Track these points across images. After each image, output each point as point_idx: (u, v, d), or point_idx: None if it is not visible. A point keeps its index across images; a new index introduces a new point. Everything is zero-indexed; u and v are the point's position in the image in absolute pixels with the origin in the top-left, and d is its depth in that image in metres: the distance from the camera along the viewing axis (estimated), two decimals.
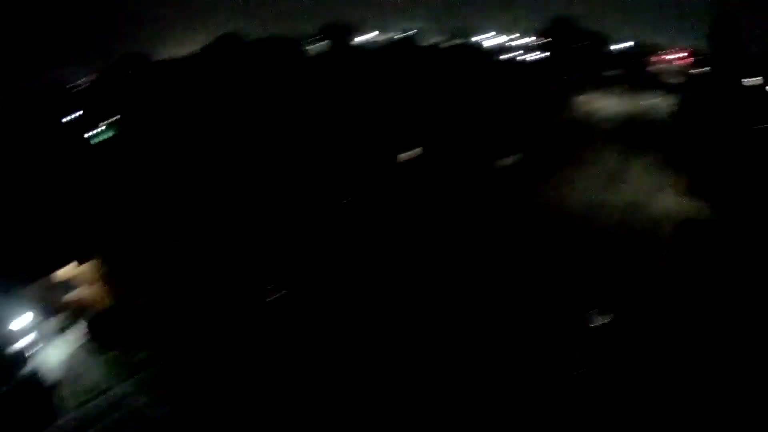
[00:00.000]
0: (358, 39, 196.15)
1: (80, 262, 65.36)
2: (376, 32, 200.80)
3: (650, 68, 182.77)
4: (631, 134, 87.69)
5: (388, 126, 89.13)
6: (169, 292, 61.94)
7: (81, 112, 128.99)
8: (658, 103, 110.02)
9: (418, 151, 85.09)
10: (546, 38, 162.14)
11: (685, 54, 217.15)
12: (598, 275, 50.67)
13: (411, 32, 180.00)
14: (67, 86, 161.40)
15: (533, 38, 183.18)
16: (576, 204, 64.76)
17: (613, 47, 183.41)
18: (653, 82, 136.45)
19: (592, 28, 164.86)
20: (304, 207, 72.88)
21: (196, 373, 48.95)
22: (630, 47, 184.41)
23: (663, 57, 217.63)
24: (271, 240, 67.96)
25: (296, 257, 64.09)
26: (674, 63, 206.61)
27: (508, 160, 79.10)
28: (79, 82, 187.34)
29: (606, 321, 44.26)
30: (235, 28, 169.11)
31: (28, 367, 53.46)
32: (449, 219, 65.70)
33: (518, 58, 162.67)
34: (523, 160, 79.53)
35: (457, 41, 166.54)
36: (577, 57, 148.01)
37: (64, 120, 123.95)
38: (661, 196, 65.00)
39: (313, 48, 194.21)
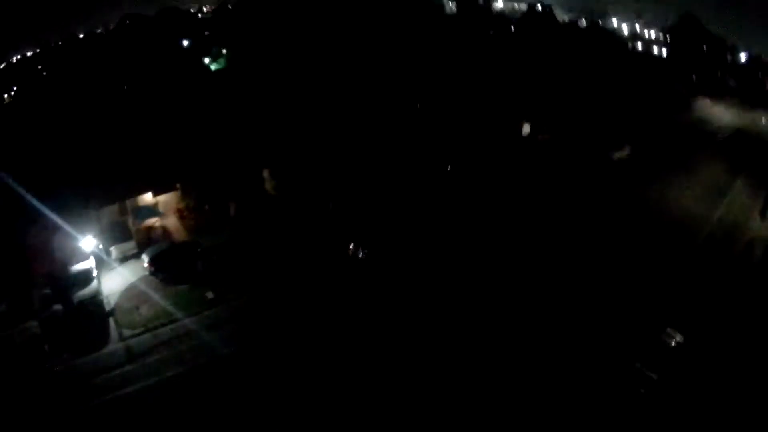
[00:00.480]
0: (497, 4, 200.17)
1: (156, 194, 64.84)
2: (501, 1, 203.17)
3: None
4: (739, 148, 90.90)
5: (518, 102, 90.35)
6: (242, 235, 61.05)
7: (201, 37, 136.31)
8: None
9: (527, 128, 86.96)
10: (674, 34, 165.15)
11: None
12: (684, 289, 51.74)
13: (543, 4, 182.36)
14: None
15: (661, 32, 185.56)
16: (677, 211, 67.55)
17: (735, 55, 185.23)
18: None
19: (716, 31, 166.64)
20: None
21: (266, 316, 49.29)
22: (751, 59, 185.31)
23: None
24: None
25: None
26: None
27: (623, 153, 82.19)
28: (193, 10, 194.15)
29: (681, 341, 44.72)
30: None
31: (88, 290, 53.65)
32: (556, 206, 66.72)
33: (649, 50, 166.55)
34: (637, 155, 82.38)
35: (596, 22, 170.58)
36: (702, 60, 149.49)
37: (183, 44, 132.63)
38: (756, 216, 67.78)
39: (450, 5, 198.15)
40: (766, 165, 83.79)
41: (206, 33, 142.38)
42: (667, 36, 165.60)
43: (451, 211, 64.88)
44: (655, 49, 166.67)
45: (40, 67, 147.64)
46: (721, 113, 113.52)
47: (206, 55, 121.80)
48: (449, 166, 73.64)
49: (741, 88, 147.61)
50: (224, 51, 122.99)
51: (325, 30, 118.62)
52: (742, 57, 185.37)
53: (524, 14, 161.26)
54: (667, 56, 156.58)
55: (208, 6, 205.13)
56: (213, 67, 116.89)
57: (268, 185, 69.57)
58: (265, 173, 69.84)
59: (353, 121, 76.89)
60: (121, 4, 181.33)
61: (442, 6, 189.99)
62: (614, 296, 51.14)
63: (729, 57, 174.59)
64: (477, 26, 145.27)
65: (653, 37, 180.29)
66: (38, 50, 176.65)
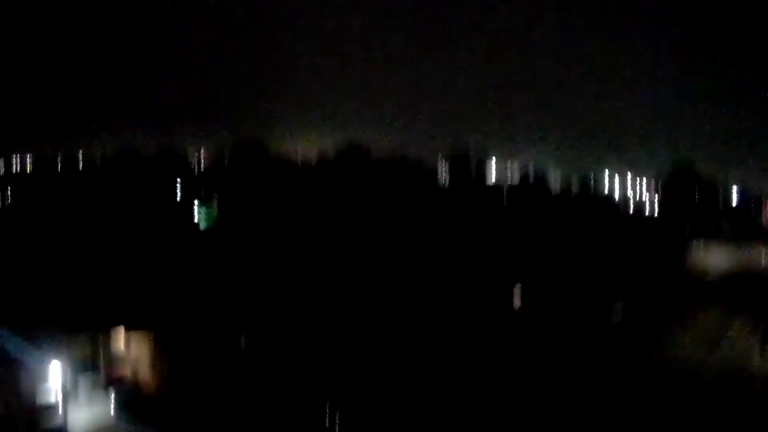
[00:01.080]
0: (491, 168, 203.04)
1: (128, 330, 61.44)
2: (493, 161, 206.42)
3: (764, 219, 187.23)
4: (735, 289, 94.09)
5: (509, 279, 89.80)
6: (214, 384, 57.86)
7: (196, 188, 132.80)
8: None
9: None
10: (666, 187, 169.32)
11: None
12: None
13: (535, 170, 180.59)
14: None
15: (653, 184, 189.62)
16: (676, 362, 67.45)
17: (727, 195, 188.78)
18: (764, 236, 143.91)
19: (708, 173, 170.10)
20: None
21: None
22: (743, 196, 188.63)
23: None
24: None
25: None
26: None
27: (617, 315, 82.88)
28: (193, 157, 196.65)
29: None
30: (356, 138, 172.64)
31: (53, 423, 50.32)
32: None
33: (641, 209, 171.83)
34: (633, 314, 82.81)
35: (587, 186, 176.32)
36: (695, 208, 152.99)
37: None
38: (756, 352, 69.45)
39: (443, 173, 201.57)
40: (763, 301, 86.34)
41: (200, 185, 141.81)
42: (659, 189, 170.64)
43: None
44: (647, 198, 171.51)
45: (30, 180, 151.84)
46: (719, 260, 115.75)
47: (198, 209, 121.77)
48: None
49: (734, 229, 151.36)
50: (214, 209, 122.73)
51: (317, 201, 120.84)
52: (734, 195, 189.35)
53: (515, 187, 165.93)
54: (660, 211, 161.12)
55: (205, 152, 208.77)
56: (202, 225, 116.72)
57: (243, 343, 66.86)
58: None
59: (337, 307, 74.75)
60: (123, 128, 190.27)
61: (435, 177, 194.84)
62: None
63: (720, 199, 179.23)
64: (469, 200, 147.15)
65: (645, 186, 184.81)
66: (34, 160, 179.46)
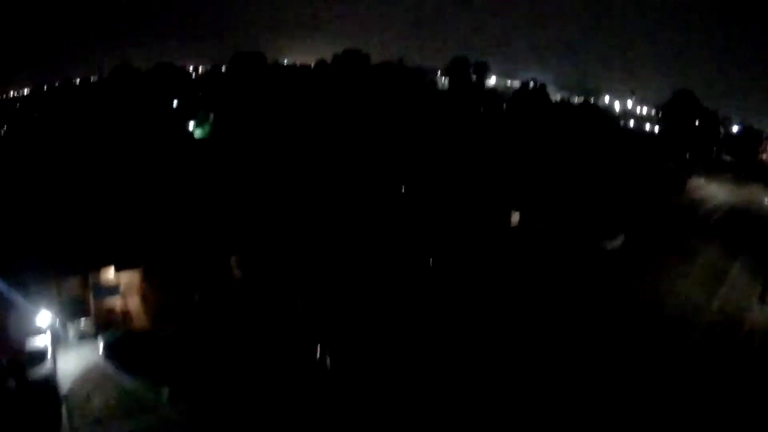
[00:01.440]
0: (490, 81, 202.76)
1: (118, 269, 58.74)
2: (493, 78, 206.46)
3: (762, 155, 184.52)
4: (735, 228, 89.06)
5: (507, 186, 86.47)
6: (205, 326, 55.35)
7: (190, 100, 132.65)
8: (762, 195, 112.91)
9: (516, 217, 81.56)
10: (667, 109, 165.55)
11: None
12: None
13: (535, 82, 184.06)
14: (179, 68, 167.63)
15: (653, 108, 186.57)
16: (674, 302, 63.37)
17: (727, 127, 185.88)
18: (763, 173, 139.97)
19: (709, 105, 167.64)
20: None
21: (223, 424, 43.82)
22: (742, 130, 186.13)
23: None
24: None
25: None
26: None
27: (616, 242, 77.11)
28: (191, 68, 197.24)
29: None
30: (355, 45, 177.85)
31: (42, 369, 49.16)
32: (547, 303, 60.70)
33: (642, 127, 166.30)
34: (631, 243, 77.68)
35: (588, 100, 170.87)
36: (695, 135, 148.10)
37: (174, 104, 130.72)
38: (755, 301, 64.98)
39: (442, 82, 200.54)
40: (763, 244, 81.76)
41: (198, 95, 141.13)
42: (660, 113, 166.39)
43: (432, 313, 58.16)
44: (648, 127, 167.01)
45: (31, 107, 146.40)
46: (715, 191, 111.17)
47: (193, 119, 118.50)
48: (431, 260, 68.31)
49: (735, 161, 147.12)
50: (210, 117, 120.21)
51: (315, 103, 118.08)
52: (735, 128, 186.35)
53: (516, 92, 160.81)
54: (660, 133, 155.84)
55: (202, 66, 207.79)
56: (197, 133, 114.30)
57: (236, 273, 64.32)
58: (234, 261, 64.42)
59: (331, 208, 73.18)
60: (120, 48, 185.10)
61: (434, 82, 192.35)
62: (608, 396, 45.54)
63: (722, 130, 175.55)
64: (468, 103, 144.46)
65: (646, 113, 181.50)
66: (32, 89, 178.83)
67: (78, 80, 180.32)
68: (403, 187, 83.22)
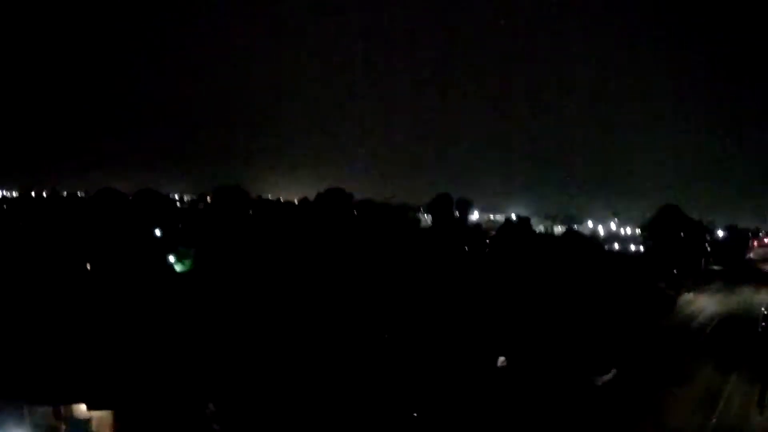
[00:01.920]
0: (473, 217, 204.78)
1: (90, 408, 56.18)
2: (476, 214, 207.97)
3: (750, 255, 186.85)
4: (728, 340, 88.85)
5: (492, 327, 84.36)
6: None
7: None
8: (758, 300, 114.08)
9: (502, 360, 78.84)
10: (652, 227, 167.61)
11: None
12: None
13: (519, 216, 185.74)
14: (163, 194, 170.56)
15: (637, 227, 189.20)
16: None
17: (714, 234, 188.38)
18: (753, 274, 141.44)
19: (695, 213, 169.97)
20: None
21: None
22: (729, 233, 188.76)
23: (761, 242, 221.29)
24: None
25: None
26: None
27: (607, 376, 74.71)
28: (175, 196, 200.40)
29: None
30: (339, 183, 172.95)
31: None
32: None
33: (626, 249, 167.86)
34: (623, 375, 75.17)
35: (572, 227, 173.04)
36: (681, 249, 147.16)
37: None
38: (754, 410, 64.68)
39: (425, 219, 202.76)
40: (757, 350, 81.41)
41: (179, 226, 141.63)
42: (646, 231, 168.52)
43: None
44: (633, 247, 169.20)
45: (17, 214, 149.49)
46: (706, 304, 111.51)
47: (174, 252, 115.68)
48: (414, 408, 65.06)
49: (723, 269, 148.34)
50: (192, 252, 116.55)
51: (298, 241, 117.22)
52: (720, 233, 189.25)
53: (500, 228, 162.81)
54: (646, 252, 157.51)
55: (187, 196, 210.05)
56: (178, 267, 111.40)
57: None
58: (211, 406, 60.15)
59: (314, 354, 70.33)
60: (109, 165, 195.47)
61: (417, 220, 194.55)
62: None
63: (708, 237, 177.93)
64: (452, 241, 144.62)
65: (630, 233, 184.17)
66: (21, 193, 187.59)
67: (65, 193, 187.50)
68: (386, 328, 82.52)
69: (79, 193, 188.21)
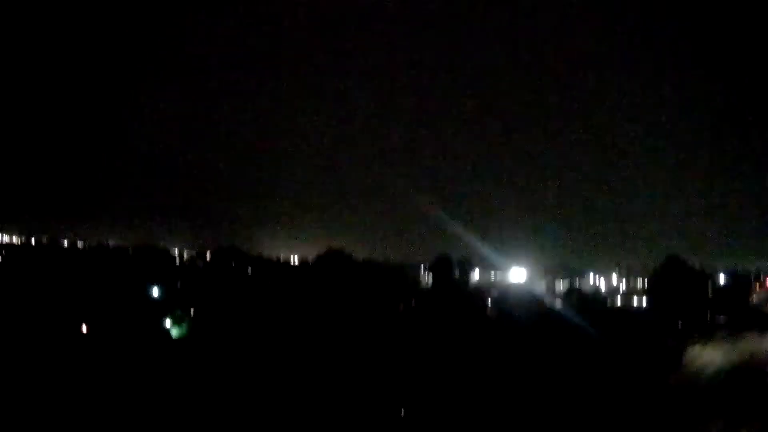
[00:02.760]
0: (475, 276, 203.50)
1: None
2: (477, 272, 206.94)
3: (755, 300, 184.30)
4: (737, 392, 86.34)
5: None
6: None
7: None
8: (765, 347, 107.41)
9: None
10: (655, 280, 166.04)
11: None
12: None
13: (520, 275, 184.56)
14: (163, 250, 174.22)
15: (639, 279, 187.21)
16: None
17: (716, 281, 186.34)
18: (758, 320, 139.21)
19: (696, 261, 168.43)
20: None
21: None
22: (731, 279, 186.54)
23: (764, 286, 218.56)
24: None
25: None
26: None
27: None
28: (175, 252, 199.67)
29: None
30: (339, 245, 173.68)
31: None
32: None
33: (629, 303, 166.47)
34: None
35: (573, 283, 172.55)
36: (687, 301, 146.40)
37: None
38: None
39: (426, 279, 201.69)
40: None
41: (177, 285, 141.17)
42: (649, 283, 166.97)
43: None
44: (636, 301, 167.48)
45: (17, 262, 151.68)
46: (712, 357, 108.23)
47: (170, 315, 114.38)
48: None
49: (727, 318, 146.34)
50: (189, 315, 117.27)
51: (298, 303, 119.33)
52: (722, 279, 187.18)
53: (501, 291, 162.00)
54: (649, 306, 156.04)
55: (187, 251, 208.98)
56: (174, 332, 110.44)
57: None
58: None
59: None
60: (108, 217, 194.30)
61: (417, 281, 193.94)
62: None
63: (713, 285, 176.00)
64: (451, 304, 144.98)
65: (632, 286, 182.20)
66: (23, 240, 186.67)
67: (66, 242, 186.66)
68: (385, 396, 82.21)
69: (79, 244, 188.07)
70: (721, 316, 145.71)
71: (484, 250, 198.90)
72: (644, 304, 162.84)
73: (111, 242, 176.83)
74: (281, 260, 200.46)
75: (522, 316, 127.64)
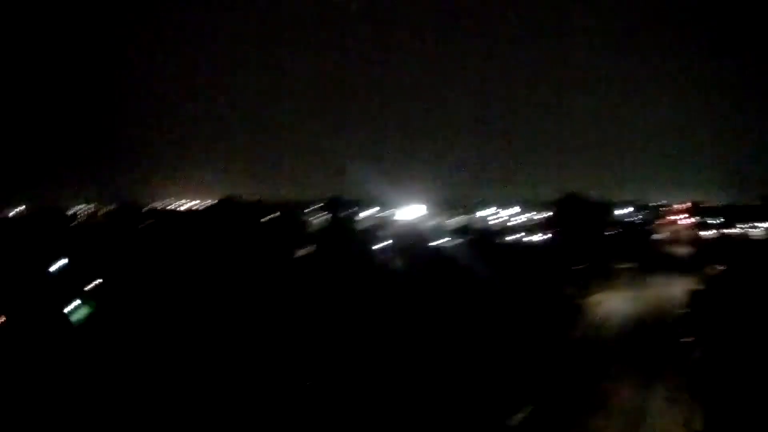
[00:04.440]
0: (364, 214, 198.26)
1: None
2: (377, 208, 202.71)
3: (657, 236, 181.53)
4: (648, 349, 78.57)
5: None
6: None
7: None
8: (671, 295, 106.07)
9: None
10: (553, 212, 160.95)
11: (687, 213, 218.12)
12: None
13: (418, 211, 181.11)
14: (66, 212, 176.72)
15: (536, 214, 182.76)
16: None
17: (618, 212, 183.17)
18: (663, 261, 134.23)
19: (596, 194, 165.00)
20: None
21: None
22: (633, 211, 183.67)
23: (668, 220, 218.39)
24: None
25: None
26: (679, 225, 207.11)
27: (521, 415, 61.27)
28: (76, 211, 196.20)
29: None
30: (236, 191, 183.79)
31: None
32: None
33: (524, 240, 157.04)
34: (539, 411, 62.25)
35: (469, 221, 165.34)
36: (587, 236, 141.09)
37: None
38: None
39: (318, 219, 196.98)
40: (678, 361, 71.63)
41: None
42: (549, 218, 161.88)
43: None
44: (534, 237, 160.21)
45: None
46: (616, 305, 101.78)
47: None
48: None
49: (632, 257, 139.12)
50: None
51: None
52: (625, 211, 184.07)
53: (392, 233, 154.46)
54: (548, 243, 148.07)
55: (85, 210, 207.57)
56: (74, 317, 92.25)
57: None
58: None
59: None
60: None
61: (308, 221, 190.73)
62: None
63: (613, 217, 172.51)
64: (342, 241, 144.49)
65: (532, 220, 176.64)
66: None
67: None
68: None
69: None
70: (625, 257, 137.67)
71: (382, 187, 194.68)
72: (543, 240, 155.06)
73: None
74: (184, 211, 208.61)
75: (413, 257, 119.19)
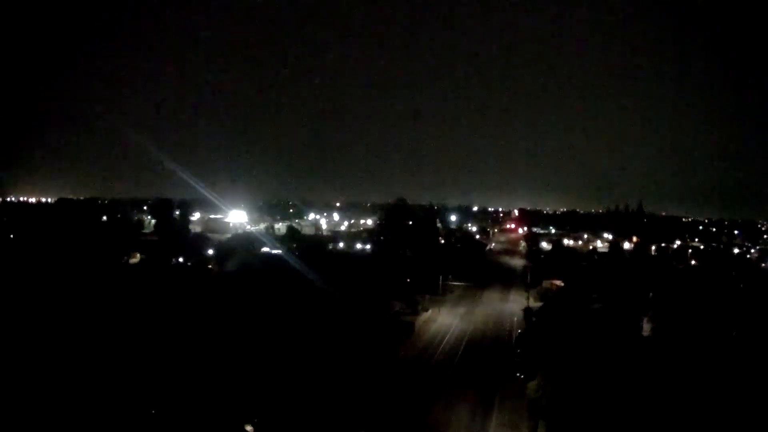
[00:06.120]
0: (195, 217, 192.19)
1: None
2: (197, 214, 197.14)
3: (490, 247, 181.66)
4: (483, 369, 74.98)
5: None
6: None
7: None
8: (506, 310, 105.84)
9: None
10: (381, 220, 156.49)
11: (516, 223, 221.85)
12: None
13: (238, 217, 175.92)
14: None
15: (364, 221, 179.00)
16: None
17: (452, 218, 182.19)
18: (496, 272, 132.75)
19: (428, 200, 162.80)
20: None
21: None
22: (462, 218, 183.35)
23: (501, 228, 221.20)
24: None
25: None
26: (511, 235, 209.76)
27: None
28: None
29: None
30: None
31: None
32: None
33: (351, 250, 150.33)
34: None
35: (292, 227, 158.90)
36: (415, 244, 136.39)
37: None
38: None
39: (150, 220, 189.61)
40: (514, 382, 67.58)
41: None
42: (376, 225, 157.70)
43: None
44: (361, 246, 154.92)
45: None
46: (448, 322, 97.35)
47: None
48: None
49: (463, 271, 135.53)
50: None
51: None
52: (454, 219, 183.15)
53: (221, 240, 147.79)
54: (374, 254, 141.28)
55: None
56: None
57: None
58: None
59: None
60: None
61: (141, 223, 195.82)
62: None
63: (441, 226, 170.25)
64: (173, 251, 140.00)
65: (358, 227, 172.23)
66: None
67: None
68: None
69: None
70: (456, 270, 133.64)
71: (206, 191, 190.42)
72: (370, 247, 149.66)
73: None
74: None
75: (240, 262, 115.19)
